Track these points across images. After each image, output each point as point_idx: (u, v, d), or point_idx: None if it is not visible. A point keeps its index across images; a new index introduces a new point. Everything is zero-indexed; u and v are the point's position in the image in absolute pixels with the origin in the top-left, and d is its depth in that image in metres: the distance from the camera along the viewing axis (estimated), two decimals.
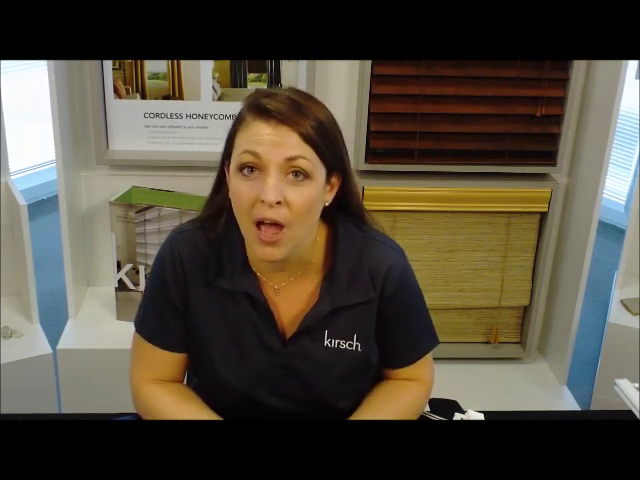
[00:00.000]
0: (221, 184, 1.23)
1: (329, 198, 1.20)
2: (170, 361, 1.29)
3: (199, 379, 1.31)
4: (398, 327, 1.28)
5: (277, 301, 1.25)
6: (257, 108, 1.13)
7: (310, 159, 1.12)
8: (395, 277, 1.25)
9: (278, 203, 1.10)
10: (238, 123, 1.16)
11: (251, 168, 1.12)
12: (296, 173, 1.11)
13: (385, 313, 1.26)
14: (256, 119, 1.12)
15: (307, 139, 1.12)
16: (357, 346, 1.26)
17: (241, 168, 1.12)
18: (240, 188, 1.13)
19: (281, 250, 1.14)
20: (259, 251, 1.14)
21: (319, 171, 1.14)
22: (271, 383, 1.25)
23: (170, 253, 1.24)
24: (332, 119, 1.17)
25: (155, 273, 1.27)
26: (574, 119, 2.26)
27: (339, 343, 1.25)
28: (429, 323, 1.34)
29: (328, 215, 1.23)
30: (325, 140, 1.14)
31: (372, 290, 1.24)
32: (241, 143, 1.13)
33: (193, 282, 1.24)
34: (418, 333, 1.32)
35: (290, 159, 1.11)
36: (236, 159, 1.13)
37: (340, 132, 1.19)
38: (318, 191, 1.15)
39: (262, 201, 1.10)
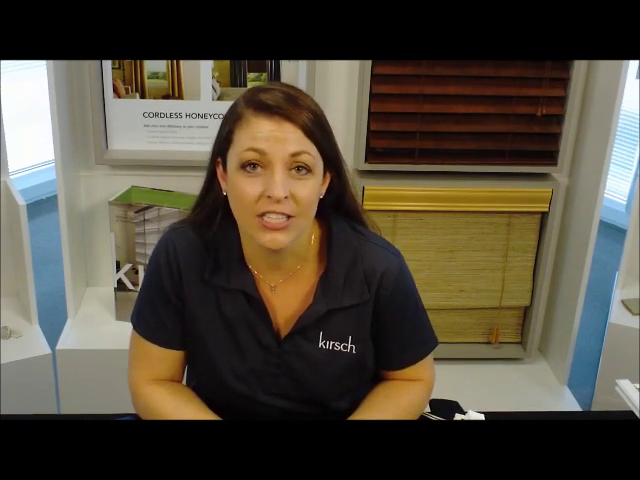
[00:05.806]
0: (212, 183, 1.23)
1: (322, 191, 1.21)
2: (167, 359, 1.29)
3: (198, 378, 1.31)
4: (395, 329, 1.28)
5: (273, 299, 1.25)
6: (257, 104, 1.13)
7: (312, 154, 1.13)
8: (391, 280, 1.25)
9: (285, 198, 1.10)
10: (236, 120, 1.15)
11: (254, 165, 1.12)
12: (299, 168, 1.12)
13: (381, 315, 1.26)
14: (257, 116, 1.12)
15: (309, 134, 1.12)
16: (352, 348, 1.26)
17: (244, 165, 1.12)
18: (243, 185, 1.12)
19: (286, 236, 1.13)
20: (264, 238, 1.13)
21: (319, 164, 1.15)
22: (267, 381, 1.25)
23: (165, 249, 1.25)
24: (323, 112, 1.18)
25: (150, 269, 1.27)
26: (575, 119, 2.26)
27: (334, 345, 1.25)
28: (427, 324, 1.34)
29: (323, 214, 1.24)
30: (322, 133, 1.15)
31: (366, 292, 1.24)
32: (242, 140, 1.13)
33: (188, 278, 1.24)
34: (415, 335, 1.32)
35: (294, 154, 1.11)
36: (238, 157, 1.13)
37: (329, 125, 1.19)
38: (318, 184, 1.16)
39: (268, 197, 1.10)
